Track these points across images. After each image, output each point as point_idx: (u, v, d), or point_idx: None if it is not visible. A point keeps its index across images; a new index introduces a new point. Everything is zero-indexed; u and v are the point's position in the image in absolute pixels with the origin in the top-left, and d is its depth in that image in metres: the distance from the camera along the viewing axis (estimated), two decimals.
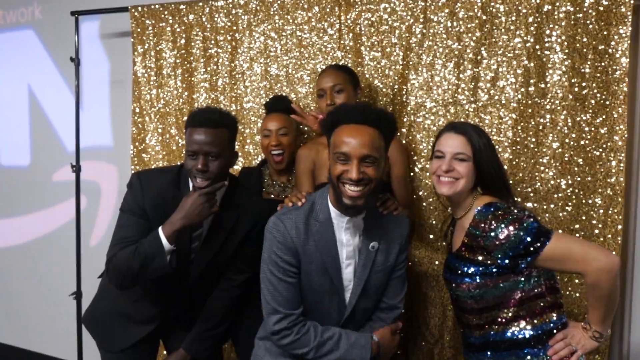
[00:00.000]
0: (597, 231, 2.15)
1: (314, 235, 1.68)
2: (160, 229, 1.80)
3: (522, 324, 1.64)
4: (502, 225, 1.58)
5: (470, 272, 1.66)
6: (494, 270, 1.62)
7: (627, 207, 2.20)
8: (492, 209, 1.62)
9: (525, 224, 1.57)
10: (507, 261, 1.59)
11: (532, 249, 1.56)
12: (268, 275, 1.68)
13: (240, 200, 2.00)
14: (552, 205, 2.20)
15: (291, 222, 1.68)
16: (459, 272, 1.69)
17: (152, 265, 1.79)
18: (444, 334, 2.37)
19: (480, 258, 1.64)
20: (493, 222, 1.59)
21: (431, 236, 2.37)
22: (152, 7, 2.74)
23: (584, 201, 2.16)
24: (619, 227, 2.12)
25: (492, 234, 1.59)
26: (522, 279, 1.63)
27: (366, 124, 1.58)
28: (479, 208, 1.66)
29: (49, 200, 3.39)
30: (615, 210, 2.12)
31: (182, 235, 1.87)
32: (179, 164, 2.22)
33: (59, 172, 3.33)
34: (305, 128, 2.55)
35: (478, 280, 1.65)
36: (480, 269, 1.64)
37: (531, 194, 2.22)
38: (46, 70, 3.30)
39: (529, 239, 1.56)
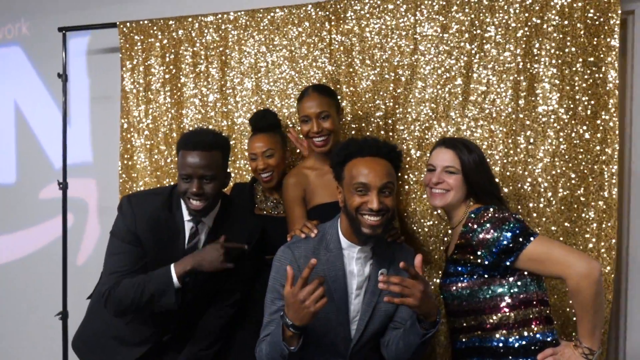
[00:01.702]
0: (591, 245, 2.14)
1: (323, 264, 1.68)
2: (172, 267, 1.81)
3: (509, 331, 1.66)
4: (488, 224, 1.65)
5: (458, 272, 1.72)
6: (481, 271, 1.67)
7: (620, 220, 2.19)
8: (482, 209, 1.71)
9: (509, 224, 1.64)
10: (491, 259, 1.64)
11: (513, 248, 1.62)
12: (268, 303, 1.69)
13: (233, 220, 1.98)
14: (544, 219, 2.19)
15: (300, 251, 1.70)
16: (449, 273, 1.76)
17: (160, 302, 1.80)
18: (436, 347, 2.33)
19: (470, 258, 1.69)
20: (480, 220, 1.67)
21: (424, 248, 2.34)
22: (141, 22, 2.72)
23: (577, 215, 2.15)
24: (613, 241, 2.11)
25: (478, 229, 1.66)
26: (510, 283, 1.67)
27: (379, 156, 1.63)
28: (472, 210, 1.74)
29: (35, 219, 3.32)
30: (609, 224, 2.11)
31: (177, 259, 1.86)
32: (170, 184, 2.20)
33: (46, 189, 3.27)
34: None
35: (465, 281, 1.70)
36: (468, 268, 1.69)
37: (520, 209, 2.21)
38: (33, 86, 3.26)
39: (510, 237, 1.62)
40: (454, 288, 1.73)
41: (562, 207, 2.16)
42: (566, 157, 2.15)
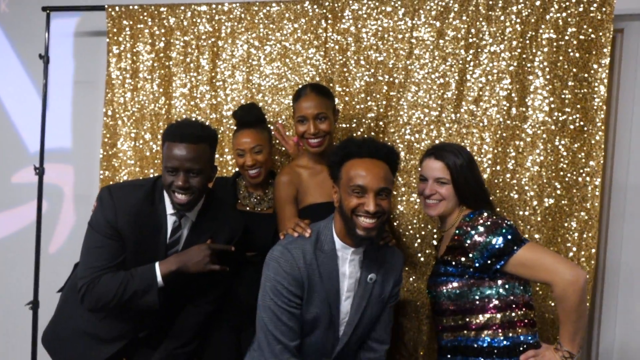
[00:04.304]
0: (571, 254, 2.20)
1: (320, 266, 1.67)
2: (157, 266, 1.77)
3: (495, 332, 1.72)
4: (481, 228, 1.71)
5: (448, 272, 1.77)
6: (471, 272, 1.73)
7: (600, 231, 2.27)
8: (476, 213, 1.77)
9: (502, 229, 1.70)
10: (481, 262, 1.70)
11: (504, 252, 1.68)
12: (271, 304, 1.66)
13: (217, 214, 1.95)
14: (528, 227, 2.24)
15: (299, 252, 1.67)
16: (439, 273, 1.81)
17: (141, 300, 1.76)
18: (418, 348, 2.35)
19: (461, 259, 1.74)
20: (474, 223, 1.73)
21: (409, 250, 2.36)
22: (131, 7, 2.64)
23: (560, 224, 2.22)
24: (593, 250, 2.18)
25: (472, 232, 1.72)
26: (498, 286, 1.73)
27: (378, 158, 1.62)
28: (465, 213, 1.80)
29: (7, 203, 3.19)
30: (590, 234, 2.18)
31: (158, 254, 1.83)
32: (152, 176, 2.14)
33: (19, 173, 3.15)
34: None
35: (455, 282, 1.76)
36: (459, 270, 1.75)
37: (507, 216, 2.25)
38: (10, 66, 3.13)
39: (502, 242, 1.68)
40: (444, 288, 1.78)
41: (547, 216, 2.22)
42: (553, 167, 2.21)
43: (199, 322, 1.99)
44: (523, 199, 2.24)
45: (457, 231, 1.77)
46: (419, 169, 1.93)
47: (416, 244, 2.35)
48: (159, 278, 1.78)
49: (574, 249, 2.19)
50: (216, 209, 1.96)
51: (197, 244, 1.87)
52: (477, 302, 1.73)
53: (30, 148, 3.12)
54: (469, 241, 1.71)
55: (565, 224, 2.20)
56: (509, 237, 1.68)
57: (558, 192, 2.21)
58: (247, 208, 2.24)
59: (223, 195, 2.22)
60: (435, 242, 2.28)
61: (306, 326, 1.70)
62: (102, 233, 1.79)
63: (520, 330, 1.71)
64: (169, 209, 1.86)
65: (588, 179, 2.17)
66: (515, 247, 1.68)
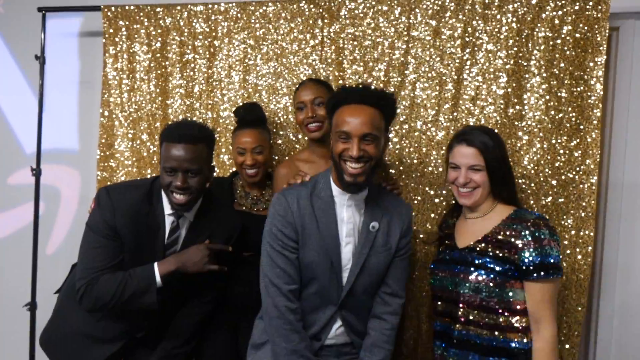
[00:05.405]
0: (568, 251, 2.20)
1: (316, 211, 1.72)
2: (156, 266, 1.78)
3: (515, 334, 1.70)
4: (548, 232, 1.68)
5: (487, 266, 1.72)
6: (510, 269, 1.69)
7: (596, 229, 2.27)
8: (540, 216, 1.75)
9: (558, 248, 1.69)
10: (527, 265, 1.66)
11: (547, 270, 1.65)
12: (267, 248, 1.73)
13: (214, 214, 1.96)
14: None
15: (293, 197, 1.74)
16: (475, 263, 1.74)
17: (140, 300, 1.77)
18: (418, 347, 2.36)
19: (506, 253, 1.70)
20: (540, 223, 1.70)
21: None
22: (127, 7, 2.64)
23: (556, 222, 2.22)
24: (589, 248, 2.18)
25: (538, 232, 1.67)
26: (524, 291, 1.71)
27: (366, 103, 1.66)
28: (521, 209, 1.79)
29: (3, 205, 3.19)
30: (586, 232, 2.18)
31: (157, 254, 1.84)
32: (150, 177, 2.14)
33: (15, 175, 3.14)
34: (280, 140, 2.51)
35: (491, 277, 1.71)
36: (498, 263, 1.70)
37: None
38: (6, 67, 3.12)
39: (555, 261, 1.66)
40: (475, 280, 1.72)
41: (543, 214, 2.21)
42: (549, 166, 2.22)
43: (196, 322, 2.00)
44: (520, 197, 2.23)
45: (511, 224, 1.72)
46: (445, 155, 1.91)
47: (415, 243, 2.35)
48: (158, 278, 1.79)
49: (571, 247, 2.20)
50: (214, 209, 1.97)
51: (195, 244, 1.88)
52: (506, 303, 1.69)
53: (27, 149, 3.12)
54: (532, 236, 1.67)
55: (562, 222, 2.21)
56: (559, 261, 1.67)
57: (555, 190, 2.21)
58: (244, 208, 2.24)
59: (220, 195, 2.23)
60: (438, 229, 2.23)
61: (306, 271, 1.73)
62: (100, 234, 1.80)
63: (531, 337, 1.70)
64: (167, 209, 1.87)
65: (584, 177, 2.18)
66: (555, 274, 1.66)
